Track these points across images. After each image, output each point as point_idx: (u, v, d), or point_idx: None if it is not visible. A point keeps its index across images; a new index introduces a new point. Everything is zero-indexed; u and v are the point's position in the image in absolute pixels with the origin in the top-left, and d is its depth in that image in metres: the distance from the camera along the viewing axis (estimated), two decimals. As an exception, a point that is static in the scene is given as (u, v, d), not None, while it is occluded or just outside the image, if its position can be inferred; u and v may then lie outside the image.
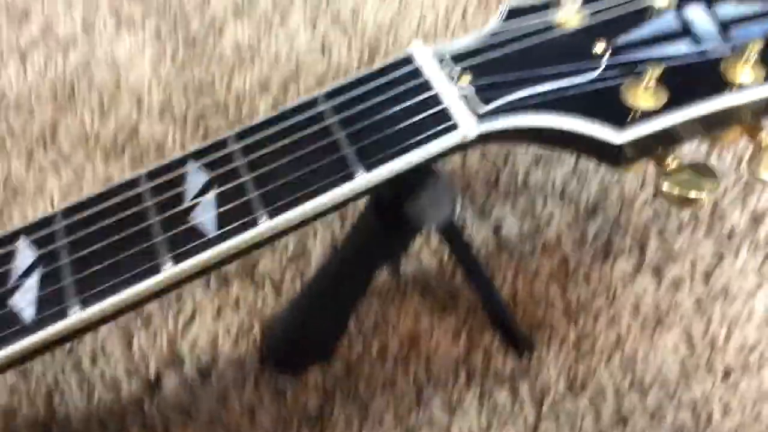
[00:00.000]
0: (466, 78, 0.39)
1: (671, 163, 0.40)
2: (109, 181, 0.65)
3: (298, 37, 0.73)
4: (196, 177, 0.38)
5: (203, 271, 0.37)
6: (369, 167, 0.37)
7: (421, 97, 0.39)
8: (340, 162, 0.37)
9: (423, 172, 0.46)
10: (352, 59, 0.72)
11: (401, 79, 0.39)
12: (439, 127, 0.37)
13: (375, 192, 0.49)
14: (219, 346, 0.59)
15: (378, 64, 0.40)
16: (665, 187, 0.39)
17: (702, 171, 0.39)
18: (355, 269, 0.50)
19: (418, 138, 0.37)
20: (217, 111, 0.69)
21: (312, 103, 0.39)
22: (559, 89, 0.39)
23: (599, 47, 0.40)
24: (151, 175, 0.38)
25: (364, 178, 0.36)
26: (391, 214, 0.45)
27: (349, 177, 0.37)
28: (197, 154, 0.38)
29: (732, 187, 0.65)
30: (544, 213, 0.64)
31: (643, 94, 0.38)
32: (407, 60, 0.40)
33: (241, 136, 0.39)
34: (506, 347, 0.58)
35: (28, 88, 0.70)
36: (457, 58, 0.40)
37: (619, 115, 0.38)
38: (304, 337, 0.57)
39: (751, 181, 0.64)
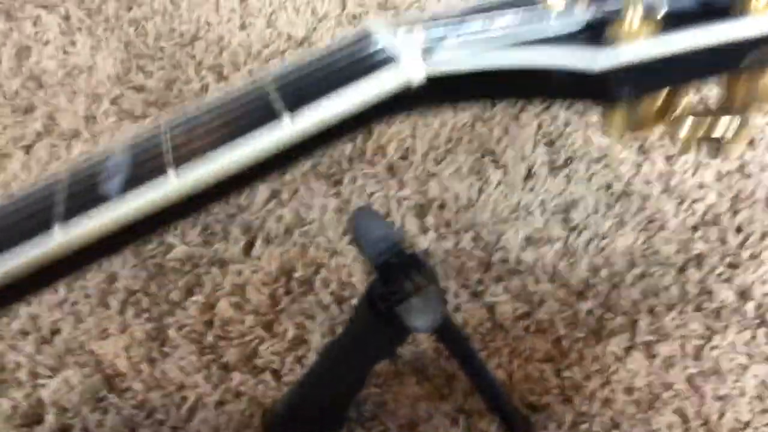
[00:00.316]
0: (418, 28, 0.34)
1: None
2: (111, 274, 0.67)
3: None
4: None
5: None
6: (294, 111, 0.31)
7: (360, 44, 0.34)
8: (266, 110, 0.32)
9: (413, 271, 0.48)
10: (345, 144, 0.74)
11: (347, 44, 0.34)
12: (377, 66, 0.32)
13: (368, 288, 0.51)
14: (221, 435, 0.60)
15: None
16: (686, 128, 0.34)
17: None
18: (352, 362, 0.52)
19: (351, 79, 0.32)
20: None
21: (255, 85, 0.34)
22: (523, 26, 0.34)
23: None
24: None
25: (289, 126, 0.31)
26: (383, 314, 0.47)
27: (274, 122, 0.31)
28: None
29: (719, 263, 0.67)
30: (537, 293, 0.66)
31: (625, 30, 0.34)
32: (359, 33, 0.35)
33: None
34: (505, 431, 0.59)
35: (34, 182, 0.72)
36: (412, 21, 0.35)
37: (597, 43, 0.32)
38: (305, 426, 0.58)
39: (735, 259, 0.66)
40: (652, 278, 0.66)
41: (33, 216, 0.33)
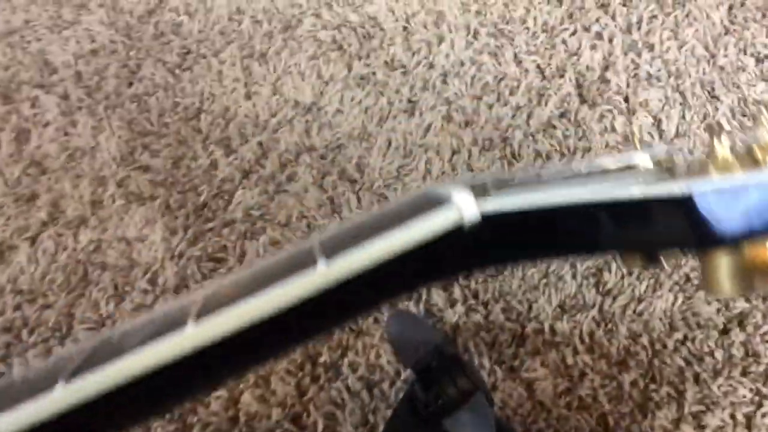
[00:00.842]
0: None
1: None
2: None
3: (306, 196, 0.73)
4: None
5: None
6: (330, 257, 0.30)
7: (413, 199, 0.33)
8: (304, 259, 0.30)
9: (456, 374, 0.45)
10: (363, 213, 0.72)
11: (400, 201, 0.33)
12: (425, 208, 0.30)
13: (409, 390, 0.48)
14: None
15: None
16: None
17: None
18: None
19: (402, 221, 0.30)
20: (233, 284, 0.68)
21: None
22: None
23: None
24: None
25: (323, 271, 0.29)
26: (428, 423, 0.44)
27: (311, 267, 0.29)
28: None
29: (763, 321, 0.64)
30: (576, 366, 0.63)
31: None
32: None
33: None
34: None
35: (42, 274, 0.70)
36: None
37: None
38: None
39: (781, 317, 0.64)
40: (695, 342, 0.63)
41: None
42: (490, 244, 0.30)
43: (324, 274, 0.29)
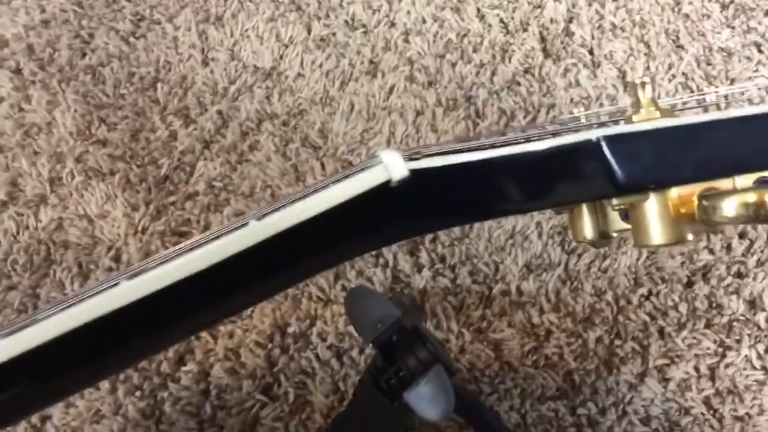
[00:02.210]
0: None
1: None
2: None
3: (269, 165, 0.73)
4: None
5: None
6: (261, 218, 0.30)
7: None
8: (241, 221, 0.31)
9: (417, 346, 0.46)
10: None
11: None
12: (361, 168, 0.32)
13: (370, 365, 0.49)
14: None
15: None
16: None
17: None
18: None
19: (334, 180, 0.32)
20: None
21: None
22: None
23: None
24: None
25: (254, 226, 0.30)
26: (390, 397, 0.45)
27: (242, 227, 0.30)
28: None
29: (726, 273, 0.65)
30: (542, 325, 0.64)
31: None
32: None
33: None
34: (523, 480, 0.58)
35: (4, 255, 0.70)
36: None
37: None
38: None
39: (742, 268, 0.65)
40: (659, 297, 0.64)
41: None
42: (418, 201, 0.32)
43: (254, 228, 0.30)
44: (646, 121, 0.36)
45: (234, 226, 0.31)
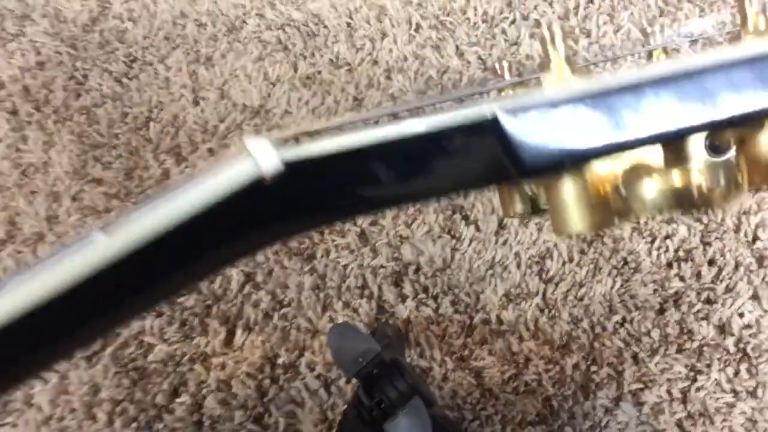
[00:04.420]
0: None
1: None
2: (95, 384, 0.68)
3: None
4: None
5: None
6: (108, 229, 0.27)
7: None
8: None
9: (396, 378, 0.50)
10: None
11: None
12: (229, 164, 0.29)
13: (354, 396, 0.53)
14: None
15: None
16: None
17: None
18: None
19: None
20: (191, 292, 0.72)
21: None
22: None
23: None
24: None
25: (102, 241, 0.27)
26: (372, 427, 0.49)
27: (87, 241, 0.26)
28: None
29: (696, 299, 0.69)
30: (521, 353, 0.68)
31: None
32: None
33: None
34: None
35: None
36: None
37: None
38: None
39: (711, 294, 0.69)
40: (633, 323, 0.68)
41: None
42: (297, 196, 0.27)
43: (102, 244, 0.25)
44: (556, 85, 0.29)
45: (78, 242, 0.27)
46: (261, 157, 0.25)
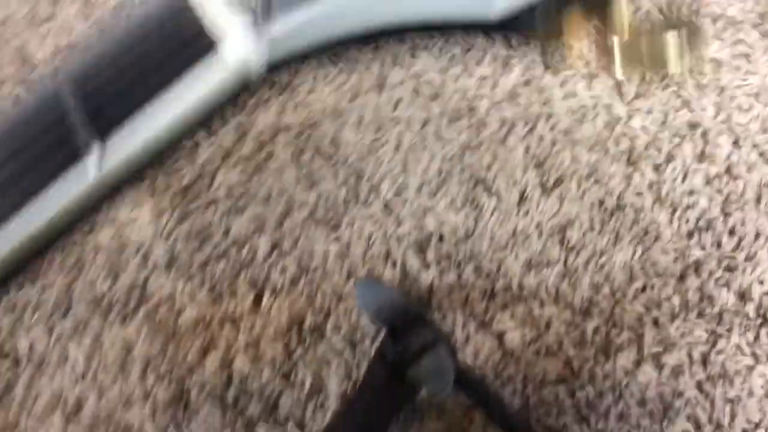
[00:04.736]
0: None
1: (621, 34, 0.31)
2: (128, 342, 0.71)
3: (285, 173, 0.79)
4: None
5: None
6: (104, 141, 0.28)
7: (179, 24, 0.32)
8: (70, 145, 0.29)
9: (420, 329, 0.52)
10: (339, 187, 0.78)
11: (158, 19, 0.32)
12: (210, 69, 0.30)
13: (379, 347, 0.55)
14: (252, 491, 0.64)
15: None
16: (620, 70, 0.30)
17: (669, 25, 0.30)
18: (370, 418, 0.56)
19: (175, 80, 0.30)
20: (219, 258, 0.75)
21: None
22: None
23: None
24: None
25: (96, 167, 0.28)
26: (397, 375, 0.51)
27: (80, 156, 0.28)
28: None
29: (717, 267, 0.71)
30: (543, 317, 0.70)
31: None
32: None
33: None
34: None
35: (40, 258, 0.76)
36: None
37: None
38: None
39: (732, 262, 0.70)
40: (653, 290, 0.70)
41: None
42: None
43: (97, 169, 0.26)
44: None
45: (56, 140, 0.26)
46: (251, 66, 0.28)
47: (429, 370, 0.49)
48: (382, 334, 0.69)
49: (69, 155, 0.26)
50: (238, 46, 0.27)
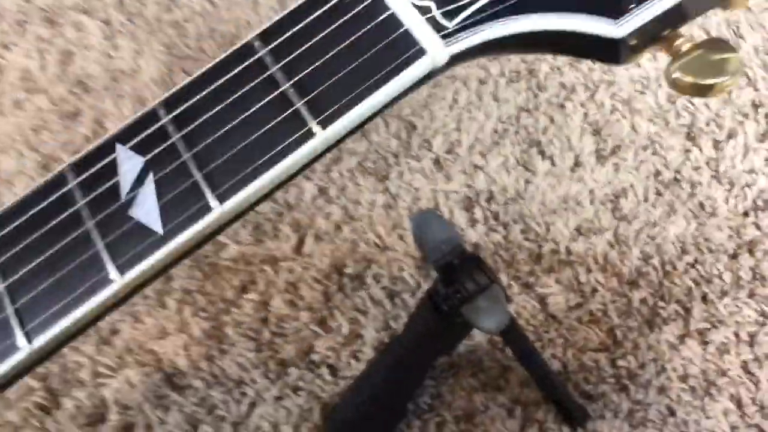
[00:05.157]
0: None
1: (681, 45, 0.34)
2: (168, 274, 0.71)
3: None
4: (128, 163, 0.33)
5: (160, 273, 0.32)
6: (325, 122, 0.31)
7: (376, 22, 0.33)
8: (293, 119, 0.32)
9: (475, 271, 0.51)
10: (390, 139, 0.77)
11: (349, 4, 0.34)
12: (403, 57, 0.32)
13: (431, 288, 0.54)
14: (281, 430, 0.64)
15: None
16: (677, 75, 0.33)
17: (719, 49, 0.33)
18: (412, 359, 0.55)
19: (379, 75, 0.33)
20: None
21: (247, 51, 0.34)
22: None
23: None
24: (77, 167, 0.33)
25: (322, 136, 0.31)
26: (448, 315, 0.51)
27: (306, 137, 0.32)
28: (125, 135, 0.33)
29: (771, 248, 0.69)
30: (588, 284, 0.68)
31: None
32: None
33: (169, 103, 0.33)
34: (561, 421, 0.62)
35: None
36: None
37: (614, 3, 0.33)
38: (365, 423, 0.61)
39: (789, 243, 0.69)
40: (705, 265, 0.68)
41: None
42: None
43: (321, 138, 0.32)
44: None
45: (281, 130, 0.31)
46: (438, 56, 0.32)
47: (484, 309, 0.48)
48: (424, 287, 0.69)
49: (294, 129, 0.32)
50: (434, 49, 0.31)
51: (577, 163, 0.75)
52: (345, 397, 0.63)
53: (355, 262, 0.71)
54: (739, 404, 0.63)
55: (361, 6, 0.34)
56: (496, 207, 0.73)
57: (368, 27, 0.33)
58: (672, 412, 0.63)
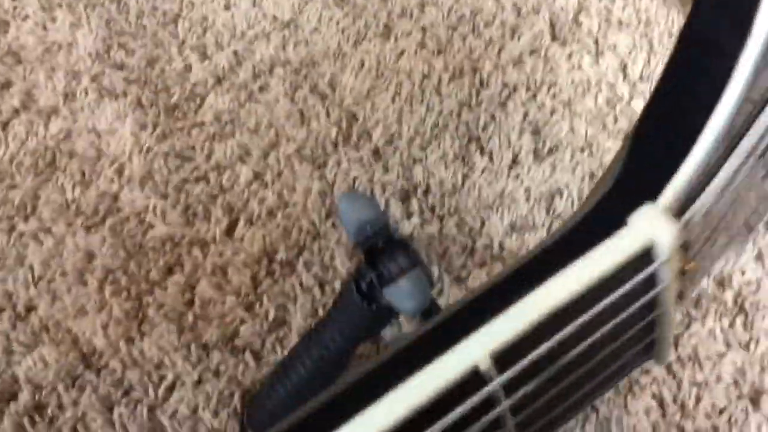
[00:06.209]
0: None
1: None
2: (89, 252, 0.69)
3: (277, 107, 0.78)
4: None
5: None
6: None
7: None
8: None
9: (400, 254, 0.51)
10: (330, 127, 0.77)
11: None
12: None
13: (354, 271, 0.54)
14: (199, 415, 0.63)
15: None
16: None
17: None
18: (336, 344, 0.54)
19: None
20: (198, 180, 0.73)
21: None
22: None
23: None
24: None
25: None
26: (370, 297, 0.50)
27: None
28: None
29: (699, 253, 0.70)
30: (520, 280, 0.69)
31: None
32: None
33: None
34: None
35: (10, 157, 0.74)
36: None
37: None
38: (285, 410, 0.60)
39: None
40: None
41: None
42: None
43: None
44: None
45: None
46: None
47: (406, 290, 0.48)
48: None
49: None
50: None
51: (515, 161, 0.75)
52: (265, 382, 0.62)
53: (287, 248, 0.70)
54: (661, 403, 0.64)
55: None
56: (432, 200, 0.73)
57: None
58: (595, 409, 0.63)
